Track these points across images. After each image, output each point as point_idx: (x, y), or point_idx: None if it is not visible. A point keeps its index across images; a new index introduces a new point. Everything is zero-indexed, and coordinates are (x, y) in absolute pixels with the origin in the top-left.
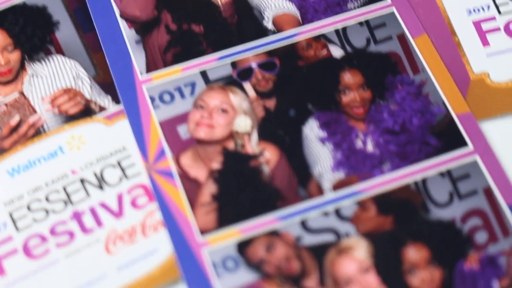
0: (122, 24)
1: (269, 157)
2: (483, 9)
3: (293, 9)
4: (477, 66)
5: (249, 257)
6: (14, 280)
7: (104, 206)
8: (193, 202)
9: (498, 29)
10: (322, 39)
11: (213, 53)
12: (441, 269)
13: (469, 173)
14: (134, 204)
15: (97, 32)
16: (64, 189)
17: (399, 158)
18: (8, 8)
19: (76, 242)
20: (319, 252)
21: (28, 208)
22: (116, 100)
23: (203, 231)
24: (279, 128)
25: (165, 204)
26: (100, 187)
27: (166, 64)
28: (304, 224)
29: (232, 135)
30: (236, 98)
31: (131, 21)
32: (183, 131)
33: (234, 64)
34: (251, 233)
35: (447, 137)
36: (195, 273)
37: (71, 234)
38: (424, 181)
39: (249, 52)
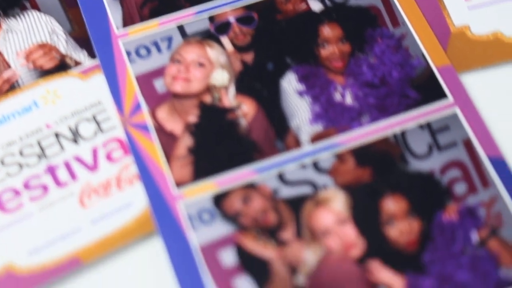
0: None
1: (246, 110)
2: None
3: None
4: (458, 19)
5: (225, 210)
6: None
7: (78, 159)
8: (169, 155)
9: None
10: None
11: (190, 8)
12: (419, 220)
13: (448, 125)
14: (109, 157)
15: None
16: (39, 143)
17: (378, 110)
18: None
19: (50, 196)
20: (296, 204)
21: (2, 162)
22: (91, 55)
23: (178, 184)
24: (257, 81)
25: (140, 157)
26: (75, 141)
27: (142, 18)
28: (281, 177)
29: (209, 89)
30: (213, 52)
31: None
32: (159, 85)
33: (211, 18)
34: (227, 186)
35: (427, 89)
36: (170, 226)
37: (45, 188)
38: (403, 133)
39: (227, 6)
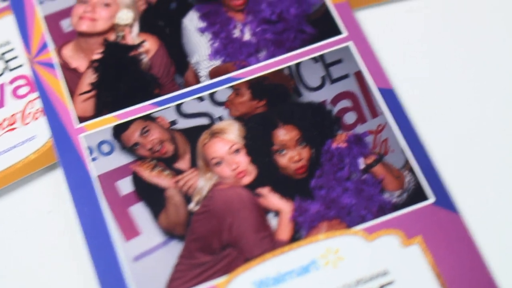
0: None
1: (148, 47)
2: None
3: None
4: None
5: (124, 141)
6: None
7: None
8: (73, 91)
9: None
10: None
11: None
12: (309, 148)
13: (341, 58)
14: (15, 94)
15: None
16: None
17: (275, 45)
18: None
19: None
20: (193, 134)
21: None
22: None
23: (81, 118)
24: (160, 20)
25: (45, 93)
26: None
27: None
28: (179, 109)
29: (113, 28)
30: None
31: None
32: (66, 24)
33: None
34: (127, 119)
35: (322, 25)
36: (71, 157)
37: None
38: (297, 66)
39: None
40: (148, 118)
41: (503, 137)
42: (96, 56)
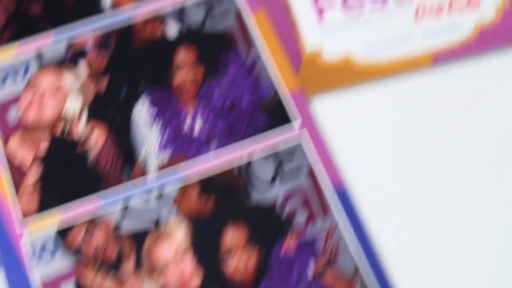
0: None
1: (97, 135)
2: None
3: None
4: (311, 42)
5: (68, 244)
6: None
7: None
8: (17, 186)
9: (334, 7)
10: (159, 16)
11: (49, 31)
12: (258, 252)
13: (294, 152)
14: None
15: None
16: None
17: (227, 134)
18: None
19: None
20: (139, 238)
21: None
22: None
23: (25, 214)
24: (110, 106)
25: None
26: None
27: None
28: (125, 208)
29: (61, 117)
30: (68, 79)
31: None
32: (13, 114)
33: (69, 45)
34: (72, 218)
35: (276, 114)
36: (12, 262)
37: None
38: (248, 164)
39: (86, 30)
40: (93, 220)
41: (459, 244)
42: (42, 152)
